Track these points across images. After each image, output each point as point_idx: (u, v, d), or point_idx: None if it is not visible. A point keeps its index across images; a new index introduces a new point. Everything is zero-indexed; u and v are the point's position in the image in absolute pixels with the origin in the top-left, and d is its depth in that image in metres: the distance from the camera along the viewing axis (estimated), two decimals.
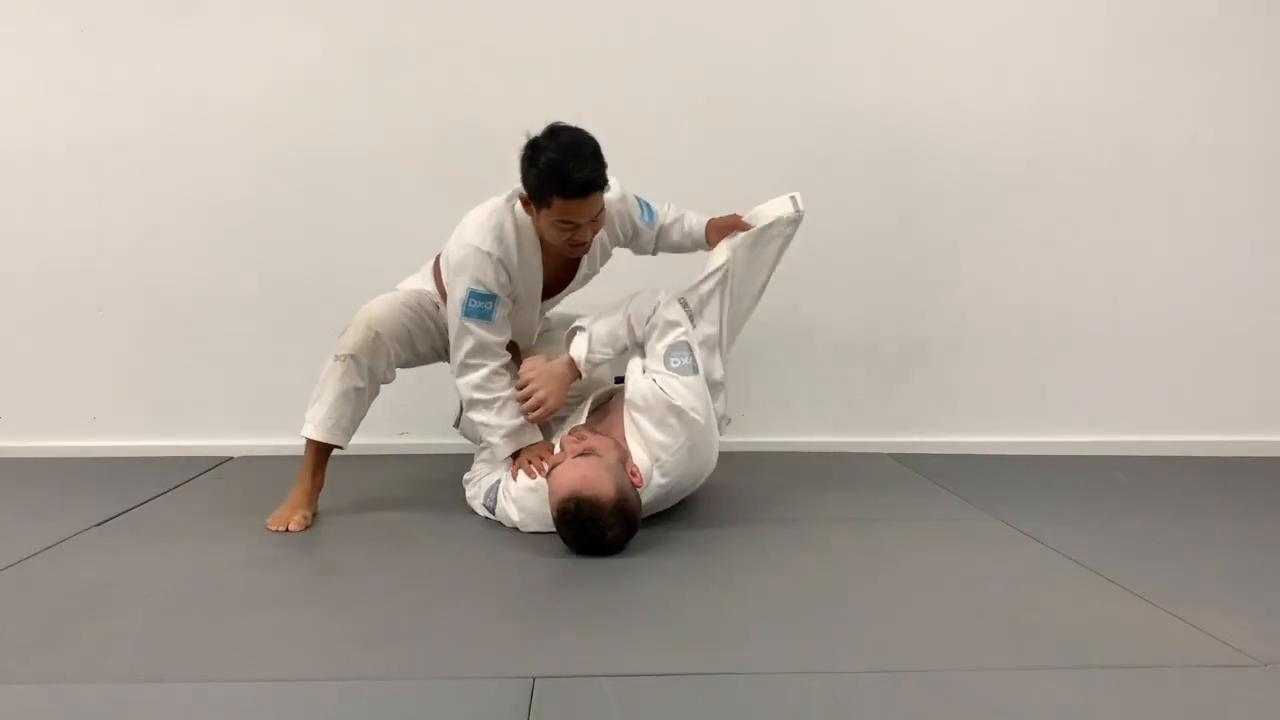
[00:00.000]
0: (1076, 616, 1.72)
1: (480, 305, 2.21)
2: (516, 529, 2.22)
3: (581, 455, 2.06)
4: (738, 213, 2.53)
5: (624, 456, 2.13)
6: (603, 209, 2.19)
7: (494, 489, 2.29)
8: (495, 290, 2.21)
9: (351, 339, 2.29)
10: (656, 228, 2.53)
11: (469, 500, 2.38)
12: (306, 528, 2.23)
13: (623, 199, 2.39)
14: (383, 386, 2.39)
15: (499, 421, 2.26)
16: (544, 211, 2.14)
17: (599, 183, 2.11)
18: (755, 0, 3.10)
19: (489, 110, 3.08)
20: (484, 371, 2.25)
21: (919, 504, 2.57)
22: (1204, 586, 1.90)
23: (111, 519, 2.32)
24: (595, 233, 2.24)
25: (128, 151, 3.03)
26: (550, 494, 2.05)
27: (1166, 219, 3.26)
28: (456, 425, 2.65)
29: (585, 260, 2.39)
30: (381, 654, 1.53)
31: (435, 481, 2.68)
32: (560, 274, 2.41)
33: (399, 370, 2.48)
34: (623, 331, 2.27)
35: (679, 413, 2.12)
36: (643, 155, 3.10)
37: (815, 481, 2.79)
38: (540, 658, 1.51)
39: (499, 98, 3.07)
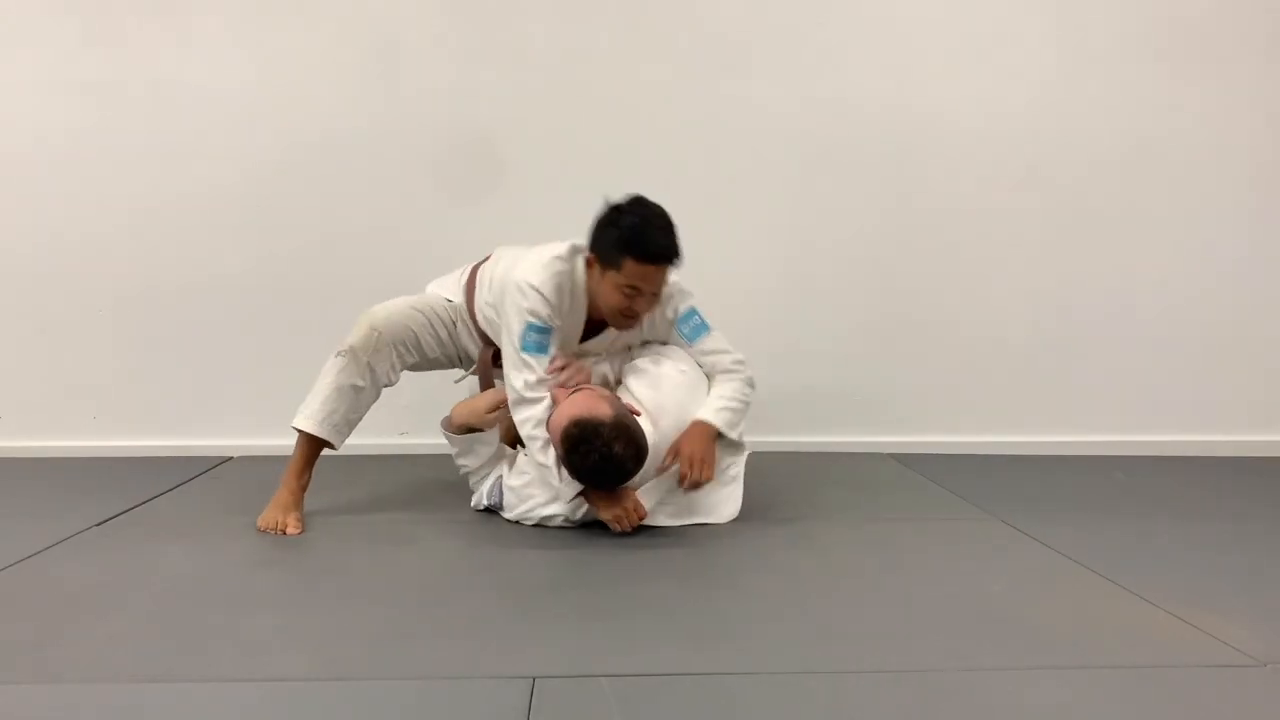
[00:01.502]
0: (1076, 616, 1.72)
1: (538, 339, 2.20)
2: (518, 524, 2.25)
3: (575, 391, 2.15)
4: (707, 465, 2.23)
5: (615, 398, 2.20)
6: (664, 284, 2.22)
7: (495, 486, 2.31)
8: (550, 324, 2.21)
9: (352, 336, 2.30)
10: (693, 347, 2.38)
11: (473, 505, 2.38)
12: (301, 532, 2.21)
13: (670, 298, 2.33)
14: (385, 390, 2.39)
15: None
16: (611, 273, 2.17)
17: (672, 255, 2.17)
18: (756, 0, 3.11)
19: (490, 110, 3.08)
20: (541, 407, 2.19)
21: (919, 504, 2.57)
22: (1204, 586, 1.90)
23: (111, 519, 2.32)
24: (649, 309, 2.26)
25: (128, 151, 3.03)
26: (552, 435, 2.11)
27: (1166, 219, 3.26)
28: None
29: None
30: (381, 654, 1.53)
31: (435, 481, 2.68)
32: (594, 332, 2.40)
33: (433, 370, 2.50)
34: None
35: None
36: (643, 154, 3.12)
37: (815, 481, 2.79)
38: (540, 658, 1.51)
39: (499, 98, 3.07)
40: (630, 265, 2.14)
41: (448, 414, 2.35)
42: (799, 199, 3.19)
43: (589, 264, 2.24)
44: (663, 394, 2.26)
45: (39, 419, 3.11)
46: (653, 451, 2.16)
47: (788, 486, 2.70)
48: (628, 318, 2.26)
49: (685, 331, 2.36)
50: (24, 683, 1.43)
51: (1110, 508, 2.56)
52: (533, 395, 2.19)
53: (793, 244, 3.20)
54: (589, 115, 3.11)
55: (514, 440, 2.63)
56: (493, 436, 2.35)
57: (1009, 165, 3.21)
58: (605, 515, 2.19)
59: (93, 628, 1.63)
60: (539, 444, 2.19)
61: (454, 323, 2.43)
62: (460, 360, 2.51)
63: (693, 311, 2.36)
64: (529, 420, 2.20)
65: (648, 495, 2.21)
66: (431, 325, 2.40)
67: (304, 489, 2.32)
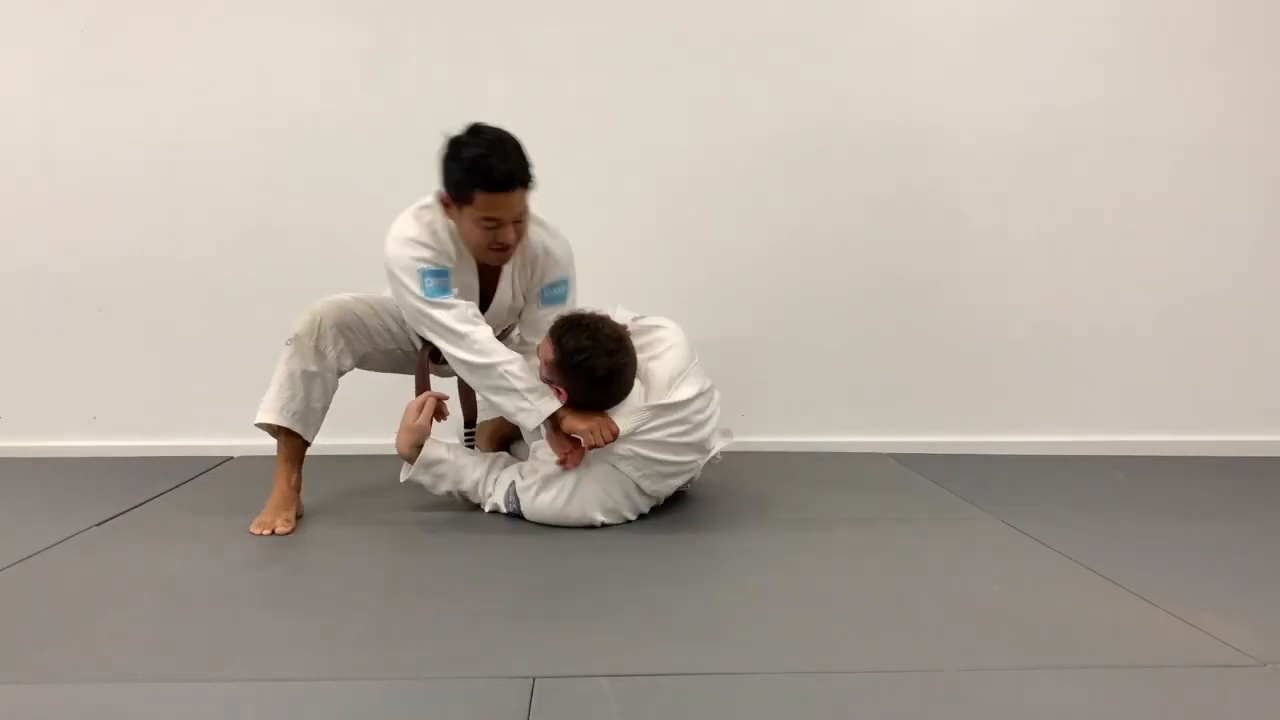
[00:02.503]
0: (1076, 616, 1.72)
1: (439, 282, 2.16)
2: (517, 524, 2.24)
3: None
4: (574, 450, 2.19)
5: None
6: (526, 211, 2.16)
7: (510, 494, 2.27)
8: (441, 265, 2.18)
9: (297, 323, 2.29)
10: (540, 315, 2.35)
11: (488, 509, 2.32)
12: (292, 530, 2.21)
13: (548, 251, 2.31)
14: (373, 388, 2.37)
15: (527, 383, 2.15)
16: (466, 210, 2.13)
17: (522, 179, 2.10)
18: (756, 1, 3.11)
19: (488, 110, 3.06)
20: (482, 331, 2.17)
21: (919, 504, 2.57)
22: (1204, 586, 1.89)
23: (111, 519, 2.32)
24: (518, 238, 2.19)
25: (128, 151, 3.04)
26: (541, 352, 2.17)
27: (1166, 219, 3.26)
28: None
29: (508, 280, 2.33)
30: (381, 654, 1.53)
31: None
32: (490, 290, 2.36)
33: (390, 373, 2.48)
34: None
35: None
36: (642, 154, 3.12)
37: (815, 481, 2.79)
38: (540, 658, 1.51)
39: (498, 98, 3.06)
40: (481, 196, 2.08)
41: (402, 469, 2.28)
42: (799, 198, 3.19)
43: (445, 206, 2.18)
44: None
45: (39, 419, 3.11)
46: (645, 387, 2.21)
47: (788, 486, 2.70)
48: (496, 251, 2.18)
49: (546, 295, 2.35)
50: (24, 683, 1.43)
51: (1110, 508, 2.56)
52: (466, 327, 2.16)
53: (792, 244, 3.20)
54: (587, 115, 3.11)
55: (499, 444, 2.61)
56: (439, 450, 2.26)
57: (1009, 165, 3.21)
58: (581, 427, 2.13)
59: (93, 628, 1.63)
60: (498, 364, 2.14)
61: (400, 317, 2.40)
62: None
63: (567, 285, 2.35)
64: (474, 344, 2.15)
65: (623, 420, 2.16)
66: (378, 314, 2.38)
67: (296, 488, 2.30)
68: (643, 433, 2.17)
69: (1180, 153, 3.23)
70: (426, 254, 2.17)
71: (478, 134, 2.12)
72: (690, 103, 3.12)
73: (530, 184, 2.13)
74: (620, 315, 2.31)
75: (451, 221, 2.21)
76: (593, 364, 2.07)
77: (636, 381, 2.21)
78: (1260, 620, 1.70)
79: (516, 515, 2.28)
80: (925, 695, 1.40)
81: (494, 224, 2.12)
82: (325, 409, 2.33)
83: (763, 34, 3.12)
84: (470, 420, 2.55)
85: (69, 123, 3.02)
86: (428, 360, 2.40)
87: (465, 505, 2.38)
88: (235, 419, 3.06)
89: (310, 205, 3.09)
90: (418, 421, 2.21)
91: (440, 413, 2.26)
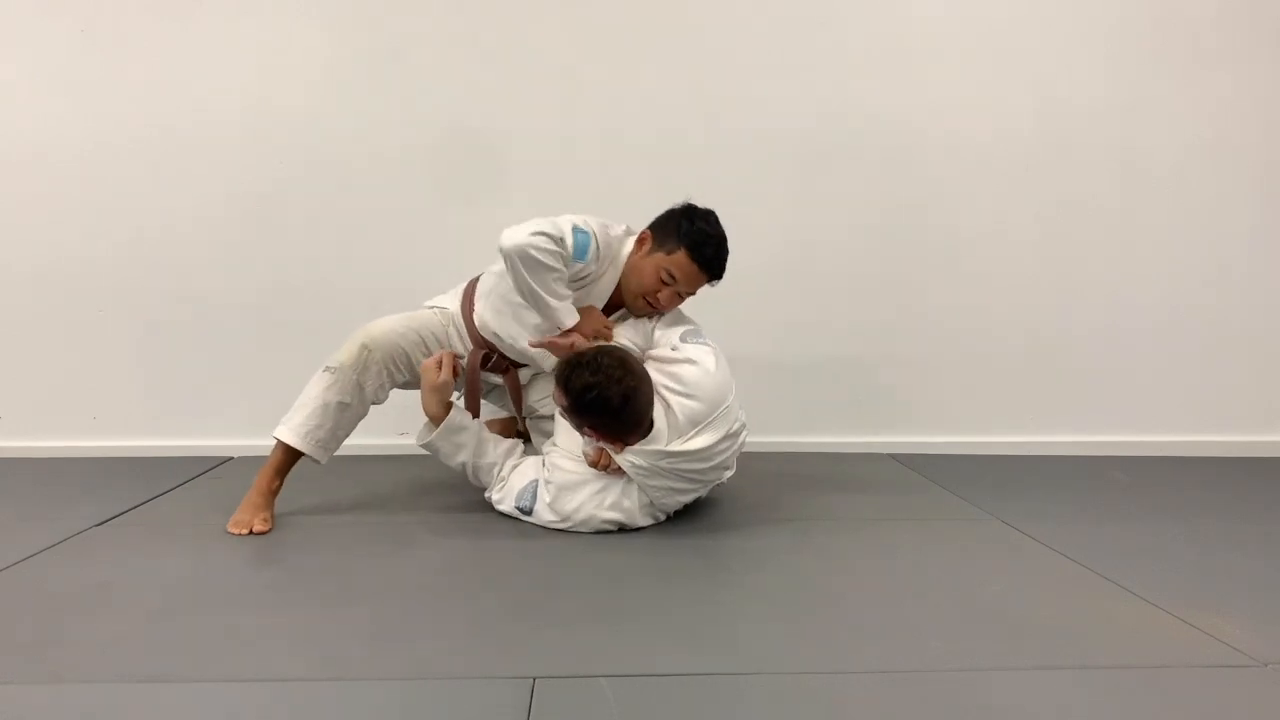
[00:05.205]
0: (1076, 616, 1.72)
1: (582, 242, 2.16)
2: (518, 524, 2.24)
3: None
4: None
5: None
6: (689, 296, 2.34)
7: (529, 489, 2.25)
8: (590, 234, 2.17)
9: (343, 353, 2.28)
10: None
11: (495, 504, 2.31)
12: (269, 529, 2.21)
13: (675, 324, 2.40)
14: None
15: (562, 291, 2.18)
16: (659, 255, 2.27)
17: (715, 275, 2.31)
18: (756, 1, 3.11)
19: (492, 111, 3.08)
20: (556, 254, 2.12)
21: (919, 504, 2.58)
22: (1204, 586, 1.90)
23: (111, 519, 2.32)
24: (671, 306, 2.36)
25: (128, 151, 3.03)
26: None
27: (1166, 220, 3.26)
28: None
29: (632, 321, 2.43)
30: (381, 654, 1.53)
31: (435, 481, 2.68)
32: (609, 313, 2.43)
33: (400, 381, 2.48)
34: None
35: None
36: (643, 154, 3.12)
37: (815, 481, 2.80)
38: (540, 658, 1.51)
39: (501, 99, 3.07)
40: (682, 257, 2.24)
41: (420, 431, 2.29)
42: (799, 199, 3.19)
43: (640, 240, 2.31)
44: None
45: (39, 419, 3.11)
46: (690, 411, 2.16)
47: (788, 486, 2.70)
48: (649, 305, 2.31)
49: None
50: (24, 683, 1.43)
51: (1110, 508, 2.56)
52: (550, 247, 2.10)
53: (793, 244, 3.20)
54: (589, 117, 3.11)
55: (507, 431, 2.60)
56: (464, 418, 2.27)
57: (1009, 165, 3.21)
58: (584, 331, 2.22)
59: (93, 628, 1.63)
60: (556, 306, 2.16)
61: (446, 328, 2.42)
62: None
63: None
64: (555, 285, 2.15)
65: (636, 456, 2.14)
66: (424, 342, 2.38)
67: (275, 493, 2.30)
68: (655, 465, 2.16)
69: (1180, 153, 3.24)
70: (589, 222, 2.20)
71: (713, 220, 2.30)
72: (690, 104, 3.12)
73: (715, 282, 2.33)
74: (668, 336, 2.32)
75: (619, 250, 2.31)
76: (605, 396, 2.03)
77: (661, 412, 2.16)
78: (1260, 620, 1.70)
79: (515, 514, 2.28)
80: (925, 695, 1.40)
81: (670, 282, 2.27)
82: (346, 436, 2.34)
83: (762, 35, 3.11)
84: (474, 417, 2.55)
85: (69, 123, 3.02)
86: (479, 363, 2.40)
87: (464, 503, 2.38)
88: (235, 419, 3.09)
89: (310, 206, 3.08)
90: (440, 379, 2.22)
91: (456, 369, 2.27)
